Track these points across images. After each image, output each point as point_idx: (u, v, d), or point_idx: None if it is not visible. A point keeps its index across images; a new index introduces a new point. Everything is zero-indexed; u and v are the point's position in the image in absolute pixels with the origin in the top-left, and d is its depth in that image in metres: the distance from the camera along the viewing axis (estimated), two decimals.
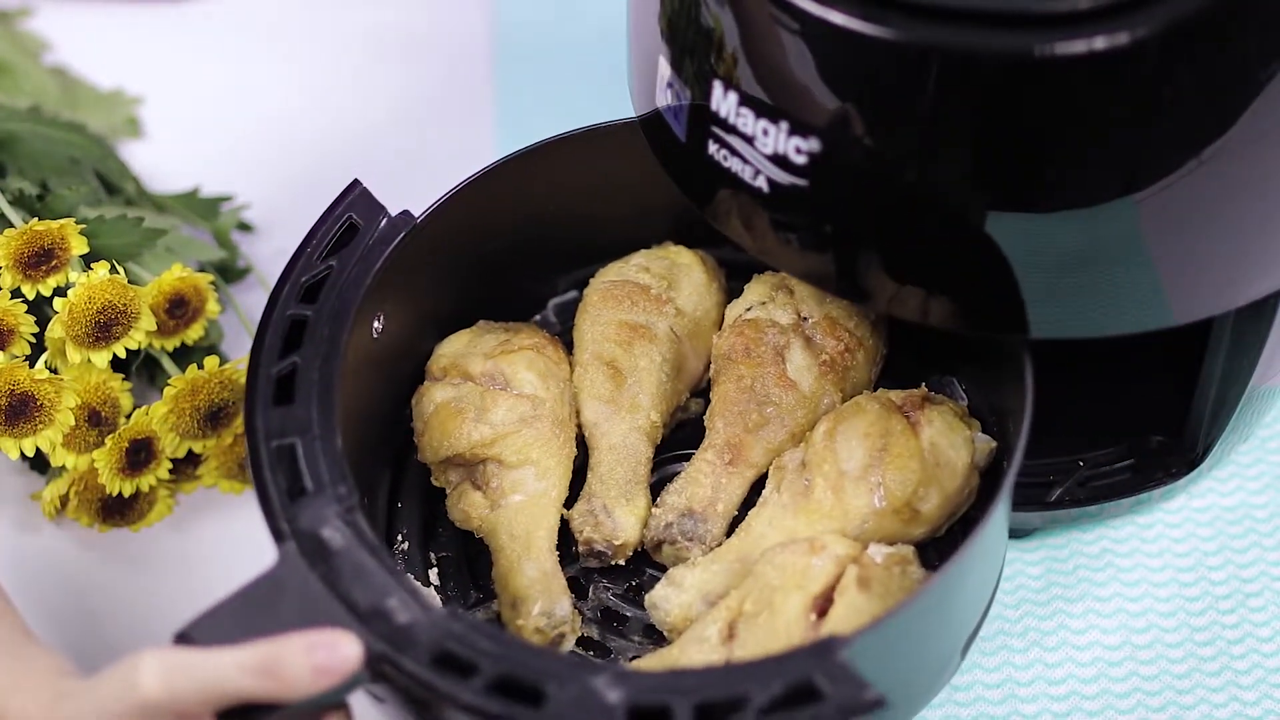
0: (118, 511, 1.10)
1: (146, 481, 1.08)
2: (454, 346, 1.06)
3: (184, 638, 0.85)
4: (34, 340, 1.08)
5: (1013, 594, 1.06)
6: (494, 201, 1.05)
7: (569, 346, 1.08)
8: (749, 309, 1.06)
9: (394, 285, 1.01)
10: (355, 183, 1.01)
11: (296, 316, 0.97)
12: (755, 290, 1.07)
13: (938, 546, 1.01)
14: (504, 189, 1.06)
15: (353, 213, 1.01)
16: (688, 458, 1.05)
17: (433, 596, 1.02)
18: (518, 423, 1.02)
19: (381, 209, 1.01)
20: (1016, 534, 1.08)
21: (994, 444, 1.01)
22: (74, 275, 1.07)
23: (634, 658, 0.99)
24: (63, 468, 1.08)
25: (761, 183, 0.92)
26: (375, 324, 1.01)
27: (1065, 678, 1.03)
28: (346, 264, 0.99)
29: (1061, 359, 1.04)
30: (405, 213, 1.02)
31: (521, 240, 1.09)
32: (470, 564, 1.04)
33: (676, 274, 1.08)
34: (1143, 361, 1.08)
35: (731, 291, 1.09)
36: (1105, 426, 1.08)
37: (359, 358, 0.99)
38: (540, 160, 1.06)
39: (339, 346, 0.96)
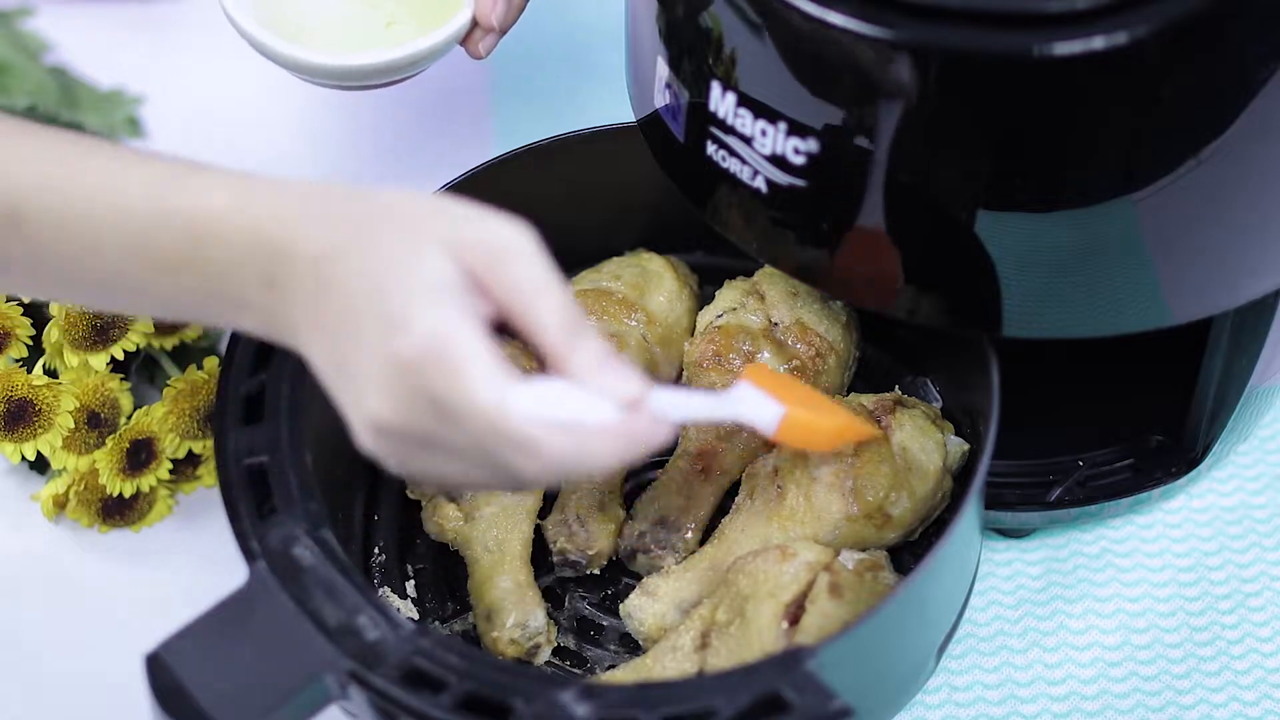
0: (118, 511, 1.10)
1: (147, 482, 1.08)
2: None
3: (155, 659, 0.85)
4: (31, 343, 1.08)
5: (1012, 594, 1.06)
6: None
7: None
8: (720, 315, 1.06)
9: None
10: None
11: None
12: (726, 296, 1.07)
13: (913, 550, 1.01)
14: (474, 200, 1.05)
15: None
16: (661, 465, 1.05)
17: (409, 608, 1.02)
18: None
19: None
20: (1016, 534, 1.08)
21: (966, 446, 1.01)
22: None
23: (610, 667, 0.99)
24: (63, 469, 1.08)
25: (760, 183, 0.92)
26: None
27: (1065, 678, 1.03)
28: None
29: (1061, 359, 1.04)
30: None
31: None
32: (447, 575, 1.04)
33: (647, 281, 1.08)
34: (1143, 361, 1.08)
35: (703, 298, 1.09)
36: (1105, 426, 1.08)
37: None
38: (509, 170, 1.06)
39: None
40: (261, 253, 0.80)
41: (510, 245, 0.80)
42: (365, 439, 0.81)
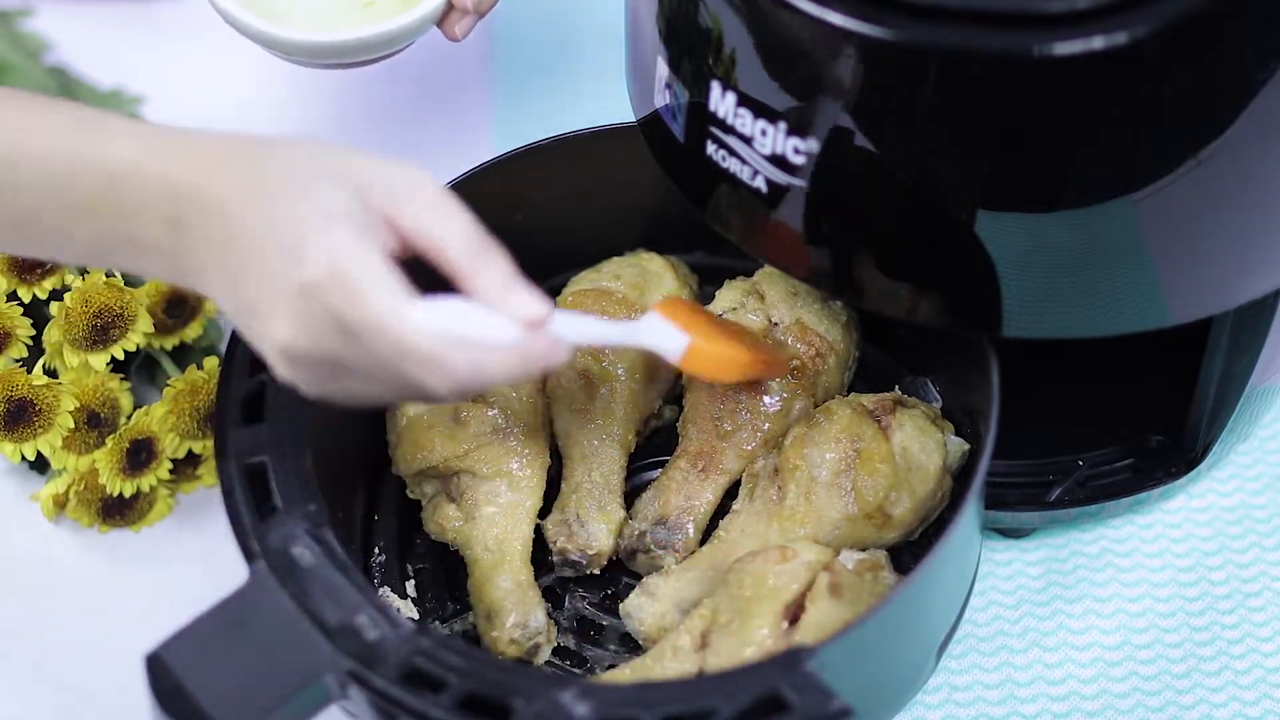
0: (118, 511, 1.10)
1: (147, 482, 1.08)
2: None
3: (155, 659, 0.85)
4: (31, 343, 1.08)
5: (1012, 594, 1.06)
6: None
7: None
8: (720, 315, 1.06)
9: None
10: None
11: None
12: (726, 296, 1.07)
13: (913, 550, 1.01)
14: (475, 199, 1.05)
15: None
16: (662, 465, 1.05)
17: (409, 608, 1.02)
18: (490, 434, 1.02)
19: None
20: (1016, 534, 1.08)
21: (966, 446, 1.01)
22: (70, 278, 1.07)
23: (610, 666, 0.99)
24: (63, 469, 1.08)
25: (760, 183, 0.92)
26: None
27: (1065, 678, 1.03)
28: None
29: (1061, 359, 1.04)
30: None
31: None
32: (448, 575, 1.04)
33: (648, 281, 1.08)
34: (1143, 361, 1.08)
35: (703, 298, 1.09)
36: (1105, 426, 1.08)
37: None
38: (510, 169, 1.06)
39: None
40: (169, 196, 0.83)
41: (412, 181, 0.85)
42: (280, 369, 0.84)
